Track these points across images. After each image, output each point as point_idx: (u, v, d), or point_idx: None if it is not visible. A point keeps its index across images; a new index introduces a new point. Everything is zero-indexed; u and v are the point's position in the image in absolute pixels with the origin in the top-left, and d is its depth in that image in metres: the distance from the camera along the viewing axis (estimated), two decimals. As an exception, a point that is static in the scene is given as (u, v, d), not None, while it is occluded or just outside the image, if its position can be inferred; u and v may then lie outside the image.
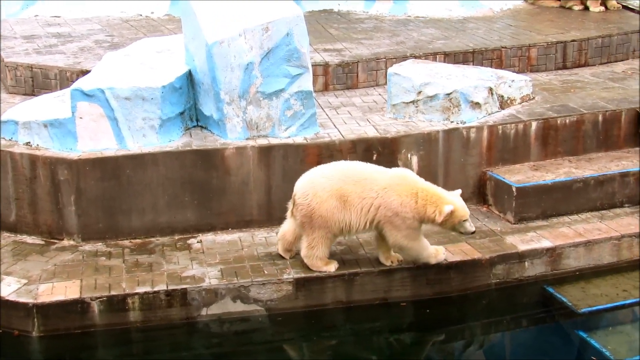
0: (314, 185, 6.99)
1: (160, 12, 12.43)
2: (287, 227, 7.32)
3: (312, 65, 8.38)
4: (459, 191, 7.13)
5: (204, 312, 7.06)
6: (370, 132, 8.21)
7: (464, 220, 6.97)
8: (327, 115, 8.73)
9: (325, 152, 7.96)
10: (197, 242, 7.78)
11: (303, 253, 7.23)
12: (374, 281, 7.25)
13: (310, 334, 7.17)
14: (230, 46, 7.77)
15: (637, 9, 12.16)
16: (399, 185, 6.94)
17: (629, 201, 8.35)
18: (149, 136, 7.87)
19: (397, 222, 6.93)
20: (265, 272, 7.21)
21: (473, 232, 7.10)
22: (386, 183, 6.95)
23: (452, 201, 6.92)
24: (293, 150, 7.94)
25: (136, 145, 7.83)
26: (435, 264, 7.28)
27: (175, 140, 7.98)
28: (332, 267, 7.23)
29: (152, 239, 7.82)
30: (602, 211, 8.27)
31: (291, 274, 7.18)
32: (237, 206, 7.95)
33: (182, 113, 8.12)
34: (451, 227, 7.03)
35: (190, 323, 7.05)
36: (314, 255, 7.16)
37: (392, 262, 7.31)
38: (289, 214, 7.26)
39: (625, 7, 12.34)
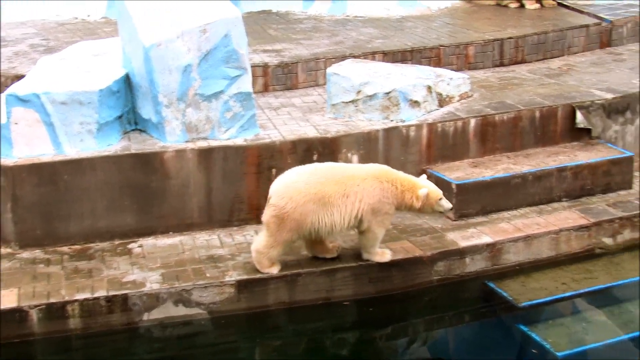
0: (291, 189, 6.98)
1: (96, 15, 12.29)
2: None
3: (251, 67, 8.36)
4: (424, 176, 7.45)
5: (145, 317, 6.99)
6: (311, 133, 8.21)
7: (440, 199, 7.20)
8: (267, 116, 8.71)
9: (266, 154, 7.94)
10: (138, 246, 7.71)
11: (257, 248, 7.16)
12: (316, 281, 7.25)
13: (254, 336, 7.14)
14: (168, 48, 7.72)
15: (572, 5, 12.31)
16: (378, 175, 7.15)
17: (567, 195, 8.46)
18: (86, 141, 7.78)
19: (377, 207, 7.10)
20: (207, 275, 7.17)
21: (451, 208, 7.41)
22: (365, 175, 7.12)
23: (425, 185, 7.22)
24: (233, 152, 7.91)
25: (74, 150, 7.74)
26: (377, 263, 7.32)
27: (114, 144, 7.89)
28: (275, 270, 7.22)
29: (92, 245, 7.72)
30: (541, 206, 8.37)
31: (233, 276, 7.15)
32: (177, 209, 7.89)
33: (120, 117, 8.04)
34: (430, 209, 7.27)
35: (131, 328, 6.97)
36: (268, 254, 7.12)
37: (336, 248, 7.44)
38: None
39: (560, 4, 12.48)
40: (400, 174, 7.25)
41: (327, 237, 7.30)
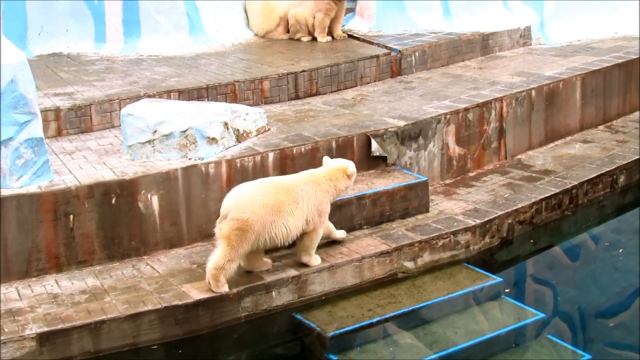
0: (251, 202, 7.34)
1: None
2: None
3: (42, 111, 8.14)
4: (327, 158, 8.07)
5: (-60, 380, 6.63)
6: (108, 175, 8.04)
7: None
8: (61, 161, 8.47)
9: (62, 200, 7.70)
10: None
11: (216, 264, 7.31)
12: (122, 327, 7.07)
13: (58, 390, 6.90)
14: (-50, 96, 7.39)
15: (362, 37, 12.65)
16: (313, 178, 7.74)
17: (367, 222, 8.64)
18: None
19: (321, 208, 7.70)
20: (6, 329, 6.85)
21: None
22: (304, 181, 7.70)
23: (342, 163, 7.94)
24: (27, 200, 7.62)
25: None
26: (182, 304, 7.23)
27: None
28: (227, 288, 7.41)
29: None
30: (343, 235, 8.51)
31: (33, 328, 6.87)
32: (-30, 264, 7.54)
33: None
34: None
35: None
36: (228, 269, 7.33)
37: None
38: (216, 230, 7.41)
39: (351, 36, 12.80)
40: (323, 169, 7.87)
41: (280, 245, 7.64)
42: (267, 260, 7.84)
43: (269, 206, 7.38)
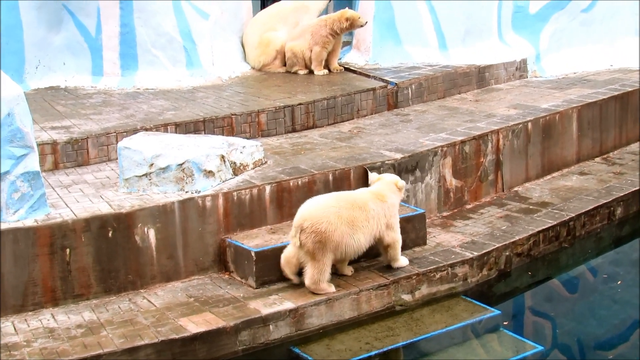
0: (327, 214, 7.75)
1: None
2: (292, 253, 7.89)
3: (39, 144, 8.13)
4: (374, 174, 8.57)
5: None
6: (104, 209, 8.03)
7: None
8: (58, 194, 8.46)
9: (58, 233, 7.68)
10: None
11: (311, 280, 7.82)
12: (118, 362, 7.04)
13: None
14: (-53, 130, 7.40)
15: (359, 70, 12.69)
16: (379, 196, 8.14)
17: (364, 255, 8.57)
18: None
19: (391, 222, 8.16)
20: (1, 365, 6.83)
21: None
22: (373, 199, 8.09)
23: (390, 177, 8.45)
24: (23, 234, 7.60)
25: None
26: (180, 338, 7.18)
27: None
28: (333, 288, 7.95)
29: None
30: (340, 267, 8.48)
31: (29, 364, 6.84)
32: (-35, 298, 7.50)
33: None
34: None
35: None
36: (323, 279, 7.85)
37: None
38: (293, 241, 7.82)
39: (347, 69, 12.85)
40: (382, 185, 8.28)
41: (351, 257, 8.15)
42: (349, 267, 8.35)
43: (343, 217, 7.79)
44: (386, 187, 8.25)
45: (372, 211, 7.99)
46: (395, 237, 8.23)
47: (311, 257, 7.78)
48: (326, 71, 12.73)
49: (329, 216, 7.75)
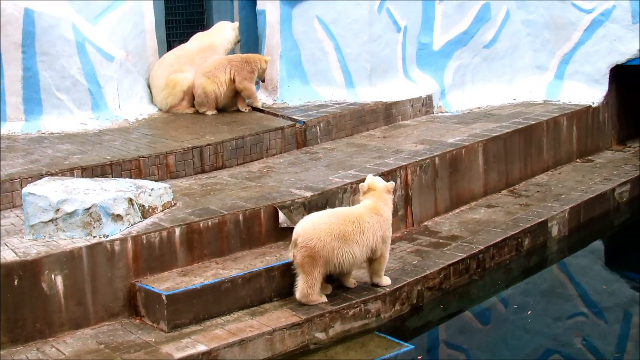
0: (317, 231, 8.13)
1: None
2: None
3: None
4: (370, 175, 8.85)
5: None
6: (9, 257, 7.82)
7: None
8: (-40, 243, 8.23)
9: (-39, 283, 7.47)
10: None
11: (302, 292, 8.26)
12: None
13: None
14: None
15: (267, 109, 12.70)
16: (375, 210, 8.47)
17: (277, 295, 8.57)
18: None
19: (385, 234, 8.52)
20: None
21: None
22: (370, 213, 8.43)
23: (383, 182, 8.72)
24: None
25: None
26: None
27: None
28: (324, 298, 8.39)
29: None
30: (253, 308, 8.39)
31: None
32: None
33: None
34: None
35: None
36: (313, 292, 8.26)
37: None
38: (290, 256, 8.29)
39: (255, 109, 12.84)
40: (377, 199, 8.56)
41: (349, 270, 8.52)
42: (328, 285, 8.60)
43: (334, 234, 8.14)
44: (380, 199, 8.56)
45: (367, 224, 8.34)
46: (385, 251, 8.57)
47: (302, 271, 8.21)
48: (248, 108, 12.74)
49: (319, 233, 8.12)
